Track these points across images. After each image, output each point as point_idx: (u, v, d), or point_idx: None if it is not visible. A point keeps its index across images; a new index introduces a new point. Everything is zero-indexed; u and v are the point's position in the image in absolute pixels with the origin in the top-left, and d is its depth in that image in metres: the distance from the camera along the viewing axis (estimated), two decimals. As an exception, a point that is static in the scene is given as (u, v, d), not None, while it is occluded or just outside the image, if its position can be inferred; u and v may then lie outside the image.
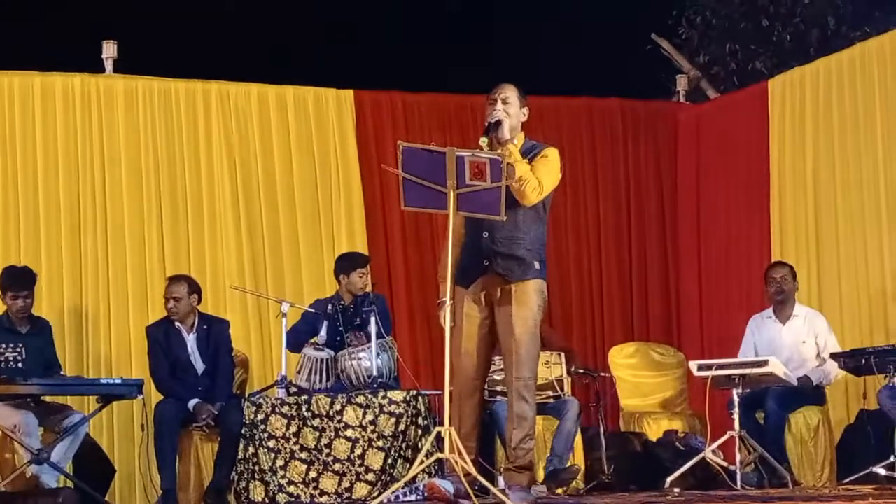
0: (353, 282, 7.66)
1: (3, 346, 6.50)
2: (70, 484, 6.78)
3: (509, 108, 5.83)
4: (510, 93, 5.87)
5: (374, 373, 7.07)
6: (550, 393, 7.43)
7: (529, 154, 5.80)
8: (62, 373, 7.27)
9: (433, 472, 6.72)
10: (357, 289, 7.65)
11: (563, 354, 7.47)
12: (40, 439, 6.76)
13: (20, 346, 6.50)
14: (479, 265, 5.73)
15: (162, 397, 7.34)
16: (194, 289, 7.46)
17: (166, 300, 7.41)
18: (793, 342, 7.72)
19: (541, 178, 5.69)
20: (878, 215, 8.23)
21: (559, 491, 7.08)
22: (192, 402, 7.20)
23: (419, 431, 6.97)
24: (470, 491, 5.31)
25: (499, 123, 5.72)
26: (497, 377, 7.37)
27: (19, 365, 6.47)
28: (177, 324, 7.40)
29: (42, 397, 6.99)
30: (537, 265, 5.77)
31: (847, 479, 7.07)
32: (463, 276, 5.75)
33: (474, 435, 5.78)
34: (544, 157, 5.80)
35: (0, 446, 6.70)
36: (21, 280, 7.12)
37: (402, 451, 6.93)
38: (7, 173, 8.13)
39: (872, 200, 8.28)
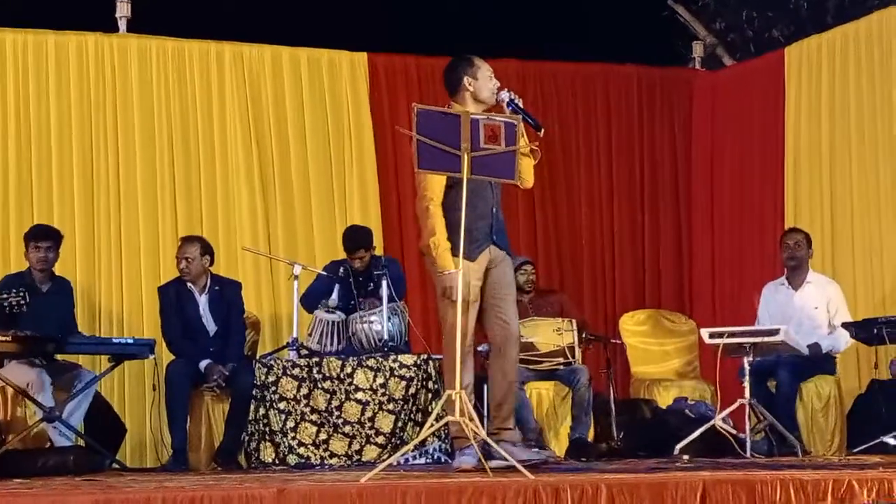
0: (352, 261, 7.64)
1: (6, 292, 6.52)
2: (81, 442, 6.82)
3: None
4: None
5: (385, 336, 7.08)
6: (561, 360, 7.43)
7: None
8: (80, 333, 7.29)
9: (443, 435, 6.75)
10: (354, 266, 7.62)
11: (574, 321, 7.47)
12: (52, 398, 6.78)
13: (23, 291, 6.51)
14: (490, 239, 5.81)
15: (173, 357, 7.36)
16: (207, 250, 7.47)
17: (178, 260, 7.42)
18: (804, 308, 7.71)
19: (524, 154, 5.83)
20: (894, 184, 8.19)
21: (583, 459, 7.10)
22: (203, 363, 7.22)
23: (429, 395, 6.98)
24: (480, 456, 5.32)
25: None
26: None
27: (23, 310, 6.49)
28: (189, 285, 7.41)
29: (54, 356, 7.02)
30: None
31: (857, 449, 7.09)
32: (472, 249, 5.72)
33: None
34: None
35: (12, 404, 6.73)
36: (44, 231, 7.16)
37: (412, 415, 6.95)
38: (20, 133, 8.13)
39: (888, 169, 8.24)
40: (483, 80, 5.85)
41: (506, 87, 5.86)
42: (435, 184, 5.69)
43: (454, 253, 5.61)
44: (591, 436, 7.51)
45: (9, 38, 8.15)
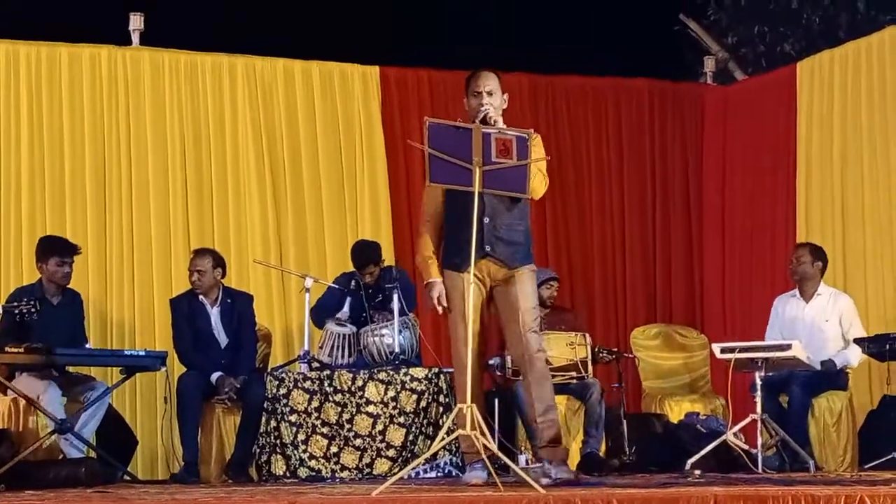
0: (362, 276, 7.66)
1: (17, 301, 6.57)
2: (93, 454, 6.83)
3: (494, 99, 5.77)
4: (493, 84, 5.80)
5: (396, 349, 7.08)
6: (574, 374, 7.43)
7: None
8: (88, 346, 7.31)
9: (454, 449, 6.74)
10: (365, 281, 7.64)
11: (587, 336, 7.46)
12: (64, 410, 6.79)
13: (34, 300, 6.56)
14: (480, 250, 5.69)
15: (185, 370, 7.37)
16: (219, 262, 7.48)
17: (190, 273, 7.44)
18: (814, 321, 7.70)
19: (541, 167, 5.72)
20: (906, 199, 8.19)
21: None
22: (214, 375, 7.22)
23: (440, 409, 6.98)
24: (491, 469, 5.31)
25: (494, 123, 5.62)
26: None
27: (34, 318, 6.53)
28: (200, 297, 7.42)
29: (66, 368, 7.03)
30: (530, 251, 5.88)
31: (869, 465, 7.07)
32: (458, 260, 5.72)
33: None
34: (536, 147, 5.67)
35: (24, 415, 6.73)
36: (67, 246, 7.18)
37: (423, 428, 6.94)
38: (34, 145, 8.15)
39: (900, 185, 8.23)
40: (469, 99, 5.82)
41: (485, 112, 5.66)
42: (429, 204, 5.87)
43: (443, 264, 5.74)
44: (602, 450, 7.50)
45: (22, 50, 8.18)
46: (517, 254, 5.81)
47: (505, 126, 5.64)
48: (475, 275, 5.65)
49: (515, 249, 5.80)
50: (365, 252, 7.71)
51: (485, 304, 5.82)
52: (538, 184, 5.72)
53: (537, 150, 5.69)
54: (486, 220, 5.72)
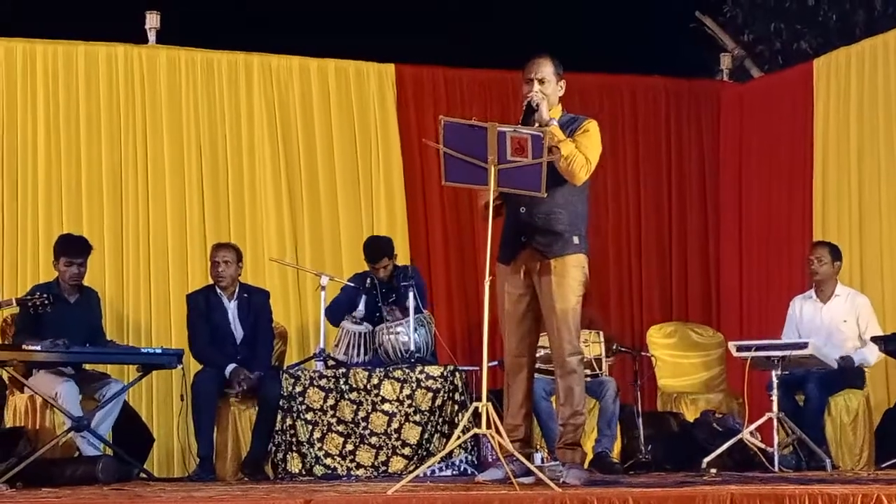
0: (375, 271, 7.67)
1: (30, 294, 6.62)
2: (109, 451, 6.85)
3: (546, 87, 5.75)
4: (546, 70, 5.78)
5: (412, 347, 7.09)
6: (588, 371, 7.41)
7: (569, 128, 5.75)
8: (110, 340, 7.35)
9: (469, 447, 6.74)
10: (378, 277, 7.65)
11: (601, 333, 7.45)
12: (81, 407, 6.81)
13: (48, 293, 6.58)
14: (518, 241, 5.73)
15: (201, 367, 7.38)
16: (239, 256, 7.54)
17: (216, 264, 7.45)
18: (832, 321, 7.67)
19: (587, 154, 5.67)
20: (923, 197, 8.16)
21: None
22: (228, 368, 7.24)
23: (456, 407, 6.98)
24: (507, 468, 5.30)
25: (538, 107, 5.66)
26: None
27: (48, 310, 6.57)
28: (219, 291, 7.43)
29: (83, 365, 7.06)
30: (576, 240, 5.72)
31: (886, 464, 7.04)
32: (503, 252, 5.77)
33: (521, 413, 5.77)
34: (586, 132, 5.74)
35: (41, 413, 6.76)
36: (77, 247, 7.21)
37: (438, 426, 6.95)
38: (50, 142, 8.18)
39: (917, 182, 8.21)
40: (524, 85, 5.81)
41: (529, 100, 5.73)
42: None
43: (497, 258, 5.74)
44: (617, 448, 7.48)
45: (39, 48, 8.20)
46: (556, 243, 5.66)
47: (550, 115, 5.67)
48: (512, 269, 5.71)
49: (554, 238, 5.67)
50: (377, 246, 7.73)
51: (520, 298, 5.74)
52: (578, 168, 5.62)
53: (587, 136, 5.69)
54: (523, 209, 5.69)
